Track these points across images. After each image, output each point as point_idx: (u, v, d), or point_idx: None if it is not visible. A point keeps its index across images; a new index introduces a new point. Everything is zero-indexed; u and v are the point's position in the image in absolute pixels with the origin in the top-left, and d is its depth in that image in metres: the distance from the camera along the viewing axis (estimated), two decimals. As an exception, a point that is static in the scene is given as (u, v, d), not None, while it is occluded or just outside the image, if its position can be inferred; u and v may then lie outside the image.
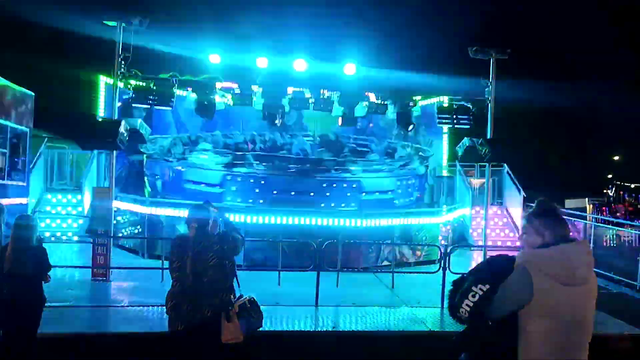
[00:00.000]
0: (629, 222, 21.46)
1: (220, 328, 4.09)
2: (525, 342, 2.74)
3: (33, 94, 11.63)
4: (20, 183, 11.42)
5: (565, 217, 3.01)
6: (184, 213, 11.42)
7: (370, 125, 17.58)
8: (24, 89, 11.33)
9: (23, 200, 11.47)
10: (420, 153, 16.02)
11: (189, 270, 4.12)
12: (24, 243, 5.14)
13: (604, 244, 15.57)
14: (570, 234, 2.95)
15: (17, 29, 17.05)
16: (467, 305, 2.80)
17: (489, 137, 11.06)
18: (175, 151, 14.73)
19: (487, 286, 2.80)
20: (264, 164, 13.92)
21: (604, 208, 34.41)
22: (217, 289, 4.16)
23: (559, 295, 2.69)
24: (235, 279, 4.39)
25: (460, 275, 3.07)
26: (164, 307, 4.27)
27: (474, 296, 2.79)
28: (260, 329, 4.52)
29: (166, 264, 9.27)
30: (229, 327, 4.10)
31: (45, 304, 5.34)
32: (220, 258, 4.19)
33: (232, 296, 4.27)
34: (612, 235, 16.67)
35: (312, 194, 13.23)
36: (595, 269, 2.88)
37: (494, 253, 12.86)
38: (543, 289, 2.68)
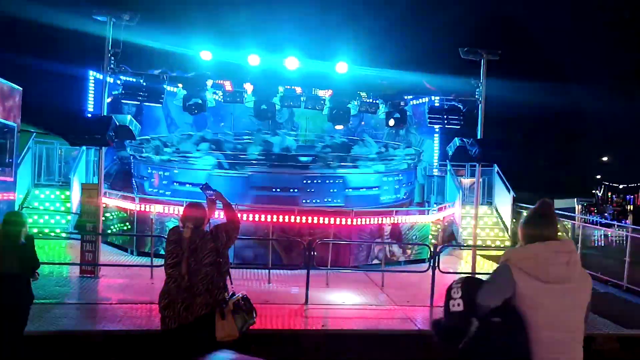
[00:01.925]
0: (616, 222, 21.65)
1: (214, 326, 4.08)
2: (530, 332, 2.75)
3: (21, 88, 11.48)
4: (8, 178, 11.27)
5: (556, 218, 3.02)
6: (173, 210, 11.37)
7: (362, 123, 17.62)
8: (11, 84, 11.19)
9: (11, 196, 11.34)
10: (411, 151, 16.09)
11: (184, 270, 4.10)
12: (11, 240, 5.07)
13: (592, 244, 15.72)
14: (556, 234, 2.95)
15: (5, 23, 16.83)
16: (453, 299, 2.81)
17: (479, 137, 11.11)
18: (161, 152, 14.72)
19: (459, 284, 2.86)
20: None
21: (592, 209, 34.72)
22: (211, 287, 4.16)
23: (538, 292, 2.75)
24: (228, 277, 4.38)
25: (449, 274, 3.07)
26: (153, 305, 4.24)
27: (457, 292, 2.83)
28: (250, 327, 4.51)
29: (155, 261, 9.29)
30: (223, 324, 4.09)
31: (33, 302, 5.28)
32: (214, 256, 4.19)
33: (225, 294, 4.26)
34: (600, 236, 16.83)
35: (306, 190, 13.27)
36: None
37: (483, 252, 12.84)
38: (522, 284, 2.76)
